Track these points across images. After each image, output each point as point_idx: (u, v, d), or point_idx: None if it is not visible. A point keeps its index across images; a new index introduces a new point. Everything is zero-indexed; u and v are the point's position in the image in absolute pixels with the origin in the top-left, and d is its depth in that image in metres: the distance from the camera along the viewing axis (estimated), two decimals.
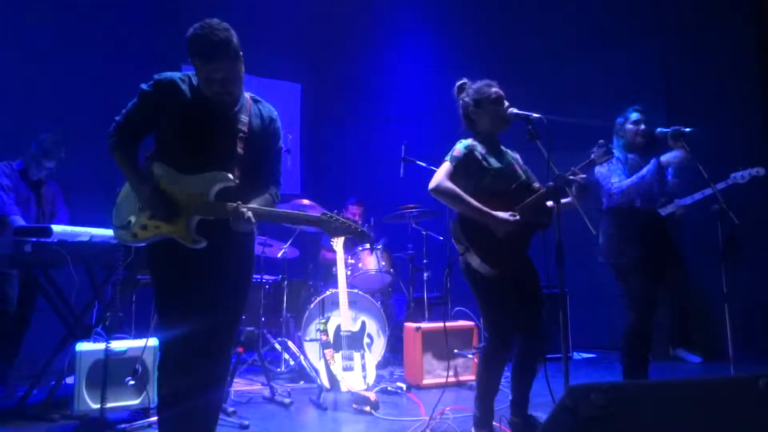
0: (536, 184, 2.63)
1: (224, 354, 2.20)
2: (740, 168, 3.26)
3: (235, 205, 2.00)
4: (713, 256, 3.15)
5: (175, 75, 2.11)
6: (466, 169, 2.50)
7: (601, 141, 2.45)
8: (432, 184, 2.47)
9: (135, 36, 5.70)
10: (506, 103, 2.55)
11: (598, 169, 3.26)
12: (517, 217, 2.44)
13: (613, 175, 3.20)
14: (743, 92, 5.02)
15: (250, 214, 2.00)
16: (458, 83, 2.71)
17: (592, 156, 2.44)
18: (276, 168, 2.30)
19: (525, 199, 2.47)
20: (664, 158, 3.14)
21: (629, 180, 3.14)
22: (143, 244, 2.11)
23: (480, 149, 2.56)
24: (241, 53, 2.09)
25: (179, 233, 2.02)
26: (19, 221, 3.60)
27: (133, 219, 2.06)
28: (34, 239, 2.92)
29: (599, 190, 3.33)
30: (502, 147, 2.69)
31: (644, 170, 3.12)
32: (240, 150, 2.11)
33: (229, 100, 2.09)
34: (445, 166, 2.50)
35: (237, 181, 2.07)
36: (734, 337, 3.07)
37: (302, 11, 6.74)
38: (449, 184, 2.44)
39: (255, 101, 2.26)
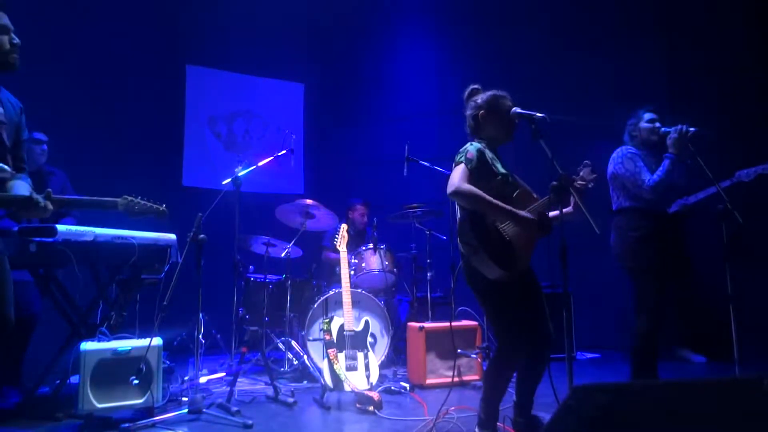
0: (535, 195, 2.62)
1: None
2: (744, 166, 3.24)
3: (28, 195, 2.07)
4: (718, 255, 3.14)
5: None
6: (478, 170, 2.46)
7: (586, 161, 2.46)
8: (450, 188, 2.40)
9: (136, 36, 5.72)
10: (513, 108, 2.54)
11: (617, 170, 3.24)
12: (536, 219, 2.41)
13: (642, 173, 3.14)
14: (747, 91, 5.00)
15: (48, 202, 2.10)
16: (471, 87, 2.69)
17: (577, 175, 2.48)
18: (24, 156, 2.33)
19: (527, 206, 2.47)
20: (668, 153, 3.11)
21: (657, 175, 3.07)
22: None
23: (488, 154, 2.55)
24: None
25: None
26: None
27: None
28: (39, 239, 2.94)
29: (613, 191, 3.31)
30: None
31: (666, 164, 3.06)
32: (5, 139, 2.17)
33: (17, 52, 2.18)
34: (461, 169, 2.44)
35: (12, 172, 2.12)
36: (739, 338, 3.06)
37: (305, 11, 6.75)
38: (469, 186, 2.38)
39: None
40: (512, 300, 2.44)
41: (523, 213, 2.40)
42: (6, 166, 2.12)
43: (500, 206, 2.37)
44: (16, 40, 2.26)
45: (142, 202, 2.45)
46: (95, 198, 2.48)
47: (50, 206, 2.20)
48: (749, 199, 3.33)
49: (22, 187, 2.21)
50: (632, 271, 3.17)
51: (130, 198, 2.43)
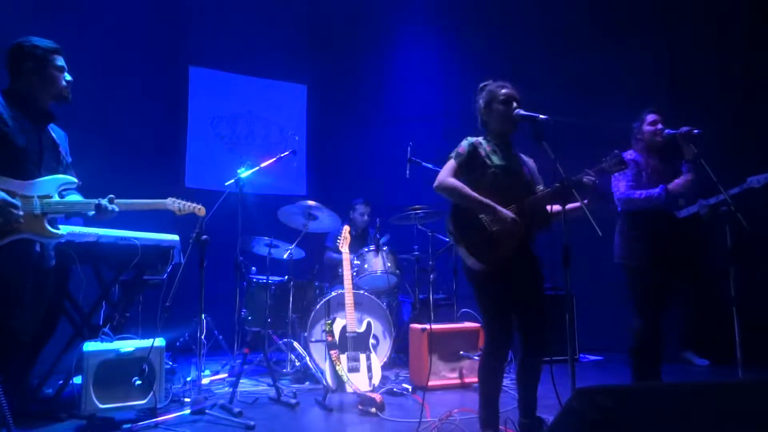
0: (540, 187, 2.62)
1: None
2: (758, 171, 3.21)
3: (96, 201, 2.50)
4: (721, 258, 3.13)
5: None
6: (469, 164, 2.55)
7: (616, 151, 2.43)
8: (435, 182, 2.55)
9: (139, 38, 5.73)
10: (514, 105, 2.55)
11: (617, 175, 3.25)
12: (517, 219, 2.42)
13: (621, 180, 3.20)
14: (752, 91, 4.98)
15: (114, 206, 2.53)
16: (481, 84, 2.72)
17: (603, 165, 2.41)
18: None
19: (524, 199, 2.48)
20: (670, 186, 3.15)
21: (637, 194, 3.14)
22: None
23: (485, 147, 2.59)
24: None
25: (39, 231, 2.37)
26: None
27: None
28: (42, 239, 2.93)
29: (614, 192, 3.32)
30: (515, 151, 2.70)
31: (654, 193, 3.12)
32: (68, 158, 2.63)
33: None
34: (449, 163, 2.58)
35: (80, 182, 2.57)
36: (742, 341, 3.05)
37: (308, 13, 6.76)
38: (451, 180, 2.51)
39: None
40: (494, 291, 2.49)
41: (502, 210, 2.42)
42: (75, 179, 2.54)
43: (479, 200, 2.44)
44: (70, 78, 2.55)
45: (184, 202, 2.87)
46: (149, 201, 2.79)
47: (117, 209, 2.57)
48: (754, 202, 3.32)
49: (76, 196, 2.58)
50: (631, 271, 3.18)
51: (173, 198, 2.86)
